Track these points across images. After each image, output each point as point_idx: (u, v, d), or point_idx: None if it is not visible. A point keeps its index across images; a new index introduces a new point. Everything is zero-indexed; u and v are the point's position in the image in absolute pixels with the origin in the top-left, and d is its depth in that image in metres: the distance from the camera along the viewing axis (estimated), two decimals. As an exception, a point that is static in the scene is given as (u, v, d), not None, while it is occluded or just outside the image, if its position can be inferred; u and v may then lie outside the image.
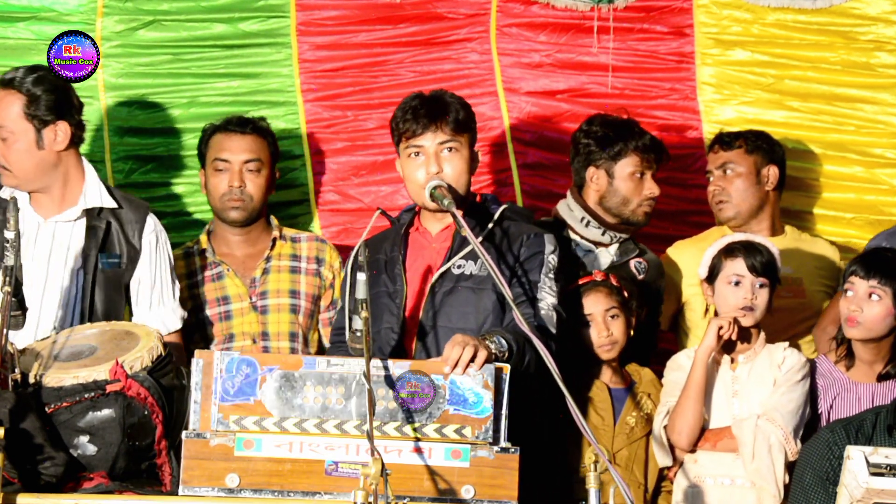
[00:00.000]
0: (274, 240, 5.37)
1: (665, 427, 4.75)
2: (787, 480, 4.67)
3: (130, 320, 4.92)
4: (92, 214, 4.94)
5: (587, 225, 5.27)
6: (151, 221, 5.02)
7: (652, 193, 5.28)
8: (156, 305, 4.98)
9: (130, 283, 4.96)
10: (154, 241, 5.00)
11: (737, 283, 4.81)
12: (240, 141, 5.33)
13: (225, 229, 5.37)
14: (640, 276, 5.23)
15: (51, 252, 4.89)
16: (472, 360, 4.05)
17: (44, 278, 4.84)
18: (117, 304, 4.91)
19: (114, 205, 4.97)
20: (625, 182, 5.27)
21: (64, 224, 4.92)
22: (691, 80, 5.98)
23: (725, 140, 5.50)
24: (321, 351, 5.35)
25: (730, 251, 4.85)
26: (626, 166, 5.27)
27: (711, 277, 4.88)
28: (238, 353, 4.04)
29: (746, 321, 4.79)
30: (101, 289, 4.89)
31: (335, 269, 5.40)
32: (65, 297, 4.85)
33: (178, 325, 5.02)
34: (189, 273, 5.32)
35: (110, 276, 4.91)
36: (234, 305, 5.29)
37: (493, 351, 4.18)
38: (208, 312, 5.28)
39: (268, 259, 5.35)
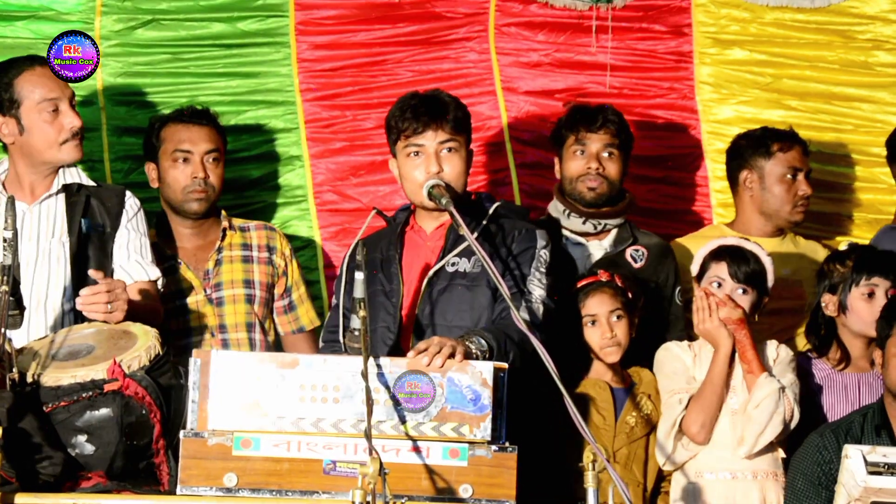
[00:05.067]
0: (224, 230, 5.33)
1: (681, 421, 4.77)
2: (779, 467, 4.73)
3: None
4: (70, 191, 4.95)
5: (569, 216, 5.30)
6: (129, 194, 5.04)
7: (582, 170, 5.33)
8: (135, 255, 4.94)
9: (114, 245, 4.95)
10: (134, 207, 5.00)
11: (718, 286, 4.86)
12: (199, 132, 5.27)
13: (176, 222, 5.32)
14: (637, 265, 5.23)
15: (39, 230, 4.90)
16: (452, 357, 4.05)
17: (35, 255, 4.86)
18: (105, 269, 4.86)
19: (92, 184, 5.00)
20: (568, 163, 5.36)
21: (47, 200, 4.94)
22: (689, 80, 5.98)
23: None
24: (278, 339, 5.36)
25: (717, 254, 4.92)
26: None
27: (699, 278, 4.93)
28: (237, 353, 4.04)
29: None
30: (90, 252, 4.88)
31: (286, 257, 5.40)
32: (54, 266, 4.86)
33: (158, 275, 4.95)
34: None
35: (95, 240, 4.91)
36: (189, 299, 5.24)
37: (474, 350, 4.18)
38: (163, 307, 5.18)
39: (219, 250, 5.30)
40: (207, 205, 5.28)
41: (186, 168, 5.25)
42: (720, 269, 4.89)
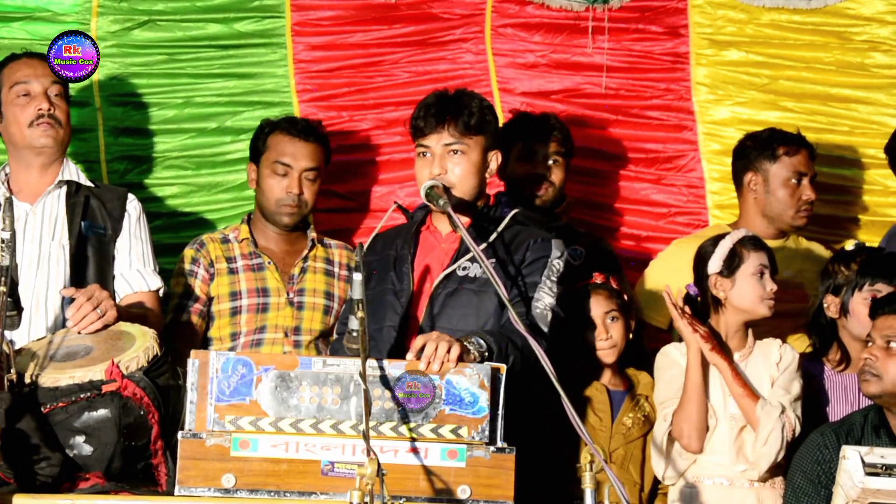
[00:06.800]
0: (313, 241, 5.39)
1: (671, 433, 4.76)
2: (777, 474, 4.74)
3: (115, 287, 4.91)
4: (70, 191, 4.95)
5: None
6: (132, 196, 5.05)
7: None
8: (137, 263, 4.95)
9: (116, 251, 4.95)
10: (136, 211, 5.01)
11: (762, 276, 4.84)
12: (303, 148, 5.31)
13: (267, 226, 5.37)
14: (576, 263, 5.25)
15: (42, 231, 4.90)
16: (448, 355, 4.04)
17: (36, 257, 4.85)
18: (105, 273, 4.88)
19: (91, 185, 5.00)
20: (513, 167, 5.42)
21: (47, 198, 4.93)
22: (686, 81, 5.98)
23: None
24: None
25: (755, 243, 4.88)
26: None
27: (730, 270, 4.87)
28: (233, 353, 4.04)
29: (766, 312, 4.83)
30: (89, 255, 4.88)
31: None
32: (54, 269, 4.85)
33: (159, 285, 4.98)
34: (228, 258, 5.30)
35: (95, 242, 4.91)
36: (272, 299, 5.28)
37: (472, 351, 4.18)
38: (245, 301, 5.27)
39: (305, 258, 5.36)
40: (298, 219, 5.34)
41: (283, 181, 5.29)
42: (762, 258, 4.86)
